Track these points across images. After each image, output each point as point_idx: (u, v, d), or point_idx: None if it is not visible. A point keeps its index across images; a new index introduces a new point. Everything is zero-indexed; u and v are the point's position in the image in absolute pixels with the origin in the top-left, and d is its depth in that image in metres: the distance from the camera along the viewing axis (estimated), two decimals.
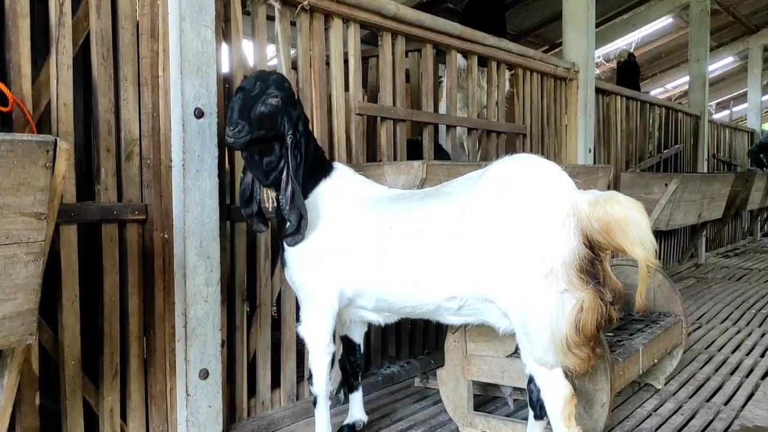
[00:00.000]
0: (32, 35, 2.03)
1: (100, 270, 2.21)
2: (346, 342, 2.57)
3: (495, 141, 4.10)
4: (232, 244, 2.62)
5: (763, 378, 3.31)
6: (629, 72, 8.28)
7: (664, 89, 14.82)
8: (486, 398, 2.97)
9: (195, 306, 2.31)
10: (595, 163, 5.20)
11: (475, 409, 2.67)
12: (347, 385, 2.63)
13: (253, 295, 2.74)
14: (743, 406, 2.91)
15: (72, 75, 2.12)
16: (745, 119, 13.72)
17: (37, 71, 2.09)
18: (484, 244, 1.95)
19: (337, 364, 2.62)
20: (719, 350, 3.83)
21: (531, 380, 2.05)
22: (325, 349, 2.26)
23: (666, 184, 5.29)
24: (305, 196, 2.19)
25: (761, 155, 10.12)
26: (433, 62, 3.61)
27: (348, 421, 2.61)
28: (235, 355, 2.63)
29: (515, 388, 2.80)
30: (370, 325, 2.55)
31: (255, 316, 2.72)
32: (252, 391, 2.71)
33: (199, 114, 2.31)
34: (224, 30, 2.57)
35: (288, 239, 2.16)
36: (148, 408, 2.34)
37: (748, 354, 3.74)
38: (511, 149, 4.22)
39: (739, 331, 4.28)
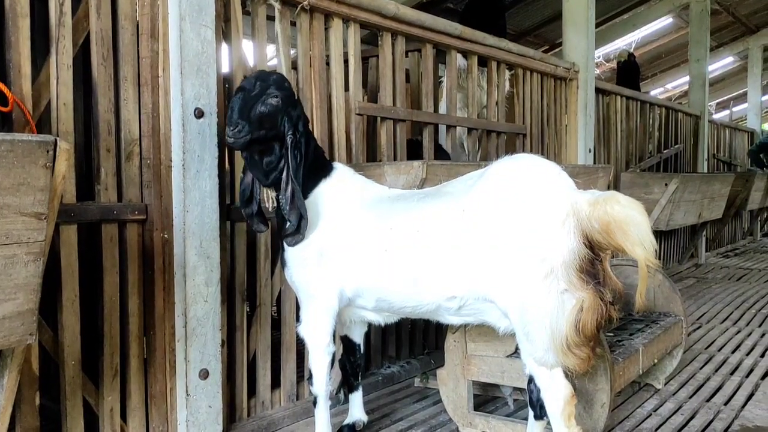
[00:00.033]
0: (32, 35, 2.03)
1: (100, 270, 2.21)
2: (346, 342, 2.57)
3: (495, 141, 4.10)
4: (232, 244, 2.62)
5: (763, 378, 3.31)
6: (629, 72, 8.28)
7: (664, 89, 14.83)
8: (486, 398, 2.97)
9: (195, 306, 2.31)
10: (595, 163, 5.20)
11: (475, 409, 2.67)
12: (347, 385, 2.63)
13: (253, 295, 2.74)
14: (743, 406, 2.91)
15: (72, 75, 2.12)
16: (745, 119, 13.72)
17: (37, 71, 2.09)
18: (484, 244, 1.95)
19: (337, 364, 2.62)
20: (719, 350, 3.83)
21: (531, 380, 2.05)
22: (325, 349, 2.26)
23: (666, 184, 5.29)
24: (305, 196, 2.19)
25: (761, 155, 10.12)
26: (433, 62, 3.61)
27: (348, 421, 2.61)
28: (235, 355, 2.63)
29: (515, 388, 2.80)
30: (370, 325, 2.55)
31: (255, 316, 2.72)
32: (252, 391, 2.71)
33: (199, 114, 2.31)
34: (224, 30, 2.57)
35: (288, 239, 2.16)
36: (148, 408, 2.34)
37: (748, 354, 3.74)
38: (511, 149, 4.22)
39: (739, 331, 4.28)
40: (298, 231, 2.13)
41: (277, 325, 2.91)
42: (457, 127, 3.89)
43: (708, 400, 2.99)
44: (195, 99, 2.30)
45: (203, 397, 2.35)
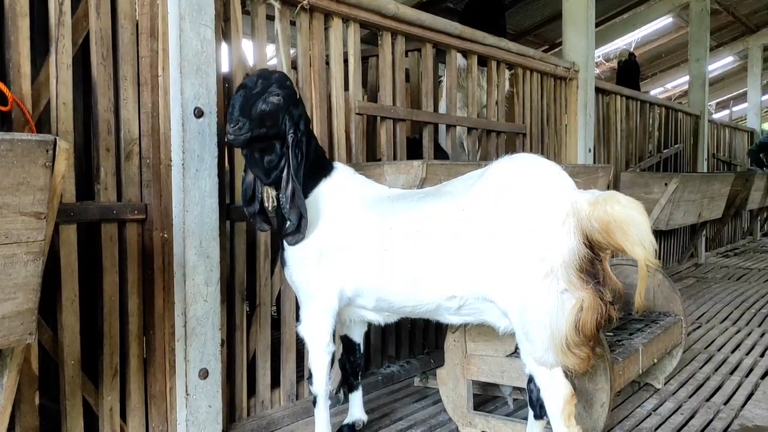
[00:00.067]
0: (32, 35, 2.03)
1: (100, 270, 2.21)
2: (346, 341, 2.57)
3: (495, 141, 4.10)
4: (231, 244, 2.62)
5: (762, 378, 3.31)
6: (629, 72, 8.29)
7: (664, 89, 14.83)
8: (486, 398, 2.97)
9: (195, 305, 2.31)
10: (595, 162, 5.20)
11: (474, 409, 2.67)
12: (347, 384, 2.63)
13: (252, 295, 2.74)
14: (743, 406, 2.91)
15: (71, 74, 2.12)
16: (745, 119, 13.72)
17: (37, 71, 2.09)
18: (484, 244, 1.95)
19: (336, 363, 2.62)
20: (719, 350, 3.83)
21: (531, 380, 2.05)
22: (324, 349, 2.26)
23: (666, 184, 5.29)
24: (305, 196, 2.18)
25: (761, 155, 10.12)
26: (433, 62, 3.61)
27: (348, 420, 2.61)
28: (235, 355, 2.63)
29: (515, 388, 2.80)
30: (370, 324, 2.55)
31: (255, 315, 2.72)
32: (252, 390, 2.71)
33: (198, 113, 2.31)
34: (224, 29, 2.57)
35: (288, 238, 2.16)
36: (147, 408, 2.34)
37: (747, 354, 3.74)
38: (511, 149, 4.22)
39: (738, 331, 4.28)
40: (299, 230, 2.13)
41: (276, 324, 2.91)
42: (457, 127, 3.89)
43: (708, 400, 2.99)
44: (194, 98, 2.30)
45: (203, 396, 2.35)
